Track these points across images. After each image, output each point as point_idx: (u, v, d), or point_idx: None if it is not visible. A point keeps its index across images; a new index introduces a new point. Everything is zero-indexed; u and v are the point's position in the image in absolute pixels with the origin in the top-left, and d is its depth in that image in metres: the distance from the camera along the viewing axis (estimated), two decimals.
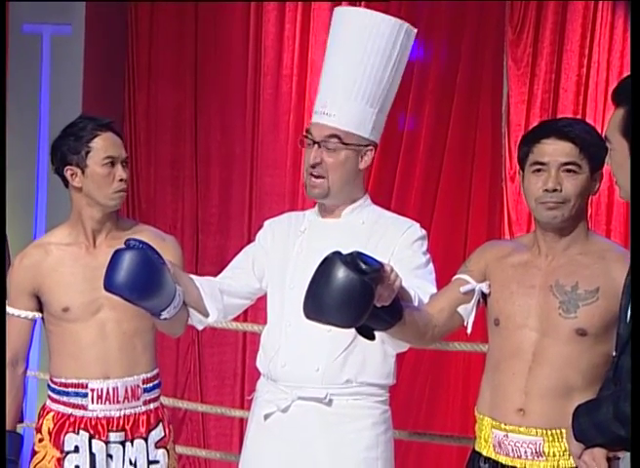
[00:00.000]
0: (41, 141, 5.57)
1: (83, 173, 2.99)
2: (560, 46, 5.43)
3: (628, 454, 2.08)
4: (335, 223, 2.94)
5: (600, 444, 2.22)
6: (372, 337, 2.43)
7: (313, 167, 2.87)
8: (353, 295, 2.22)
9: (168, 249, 3.05)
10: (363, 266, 2.23)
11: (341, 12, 3.04)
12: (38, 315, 3.09)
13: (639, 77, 2.12)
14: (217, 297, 2.90)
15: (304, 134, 2.95)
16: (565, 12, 5.43)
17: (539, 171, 2.60)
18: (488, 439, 2.63)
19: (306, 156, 2.92)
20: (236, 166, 5.95)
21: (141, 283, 2.56)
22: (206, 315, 2.90)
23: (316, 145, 2.88)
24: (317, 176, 2.88)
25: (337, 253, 2.25)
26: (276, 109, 5.83)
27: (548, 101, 5.44)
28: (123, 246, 2.62)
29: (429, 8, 5.65)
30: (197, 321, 2.92)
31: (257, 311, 3.06)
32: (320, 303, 2.25)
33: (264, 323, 3.01)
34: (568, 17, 5.42)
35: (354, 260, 2.23)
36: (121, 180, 3.00)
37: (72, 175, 3.01)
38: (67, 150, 3.00)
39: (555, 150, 2.58)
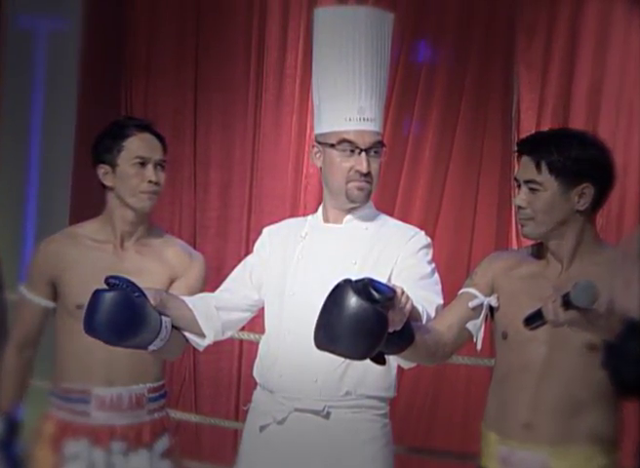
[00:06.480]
0: (33, 142, 5.59)
1: (114, 171, 3.02)
2: (573, 51, 5.37)
3: None
4: (337, 228, 2.90)
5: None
6: (383, 362, 2.39)
7: (366, 175, 2.82)
8: (367, 326, 2.18)
9: (192, 268, 3.11)
10: (376, 295, 2.19)
11: (326, 12, 2.99)
12: (52, 305, 3.09)
13: None
14: (212, 317, 2.87)
15: (336, 143, 2.84)
16: (578, 16, 5.37)
17: (518, 186, 2.62)
18: (494, 454, 2.61)
19: (345, 164, 2.83)
20: (236, 168, 5.91)
21: (120, 326, 2.54)
22: (202, 336, 2.87)
23: (363, 153, 2.82)
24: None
25: (348, 281, 2.22)
26: (278, 110, 5.77)
27: (560, 108, 5.37)
28: (105, 286, 2.59)
29: (438, 10, 5.60)
30: (195, 343, 2.89)
31: (253, 318, 3.10)
32: (333, 334, 2.22)
33: (261, 331, 2.97)
34: (582, 21, 5.37)
35: (366, 288, 2.19)
36: (150, 182, 3.01)
37: (104, 173, 3.03)
38: (102, 148, 3.04)
39: (521, 167, 2.59)
